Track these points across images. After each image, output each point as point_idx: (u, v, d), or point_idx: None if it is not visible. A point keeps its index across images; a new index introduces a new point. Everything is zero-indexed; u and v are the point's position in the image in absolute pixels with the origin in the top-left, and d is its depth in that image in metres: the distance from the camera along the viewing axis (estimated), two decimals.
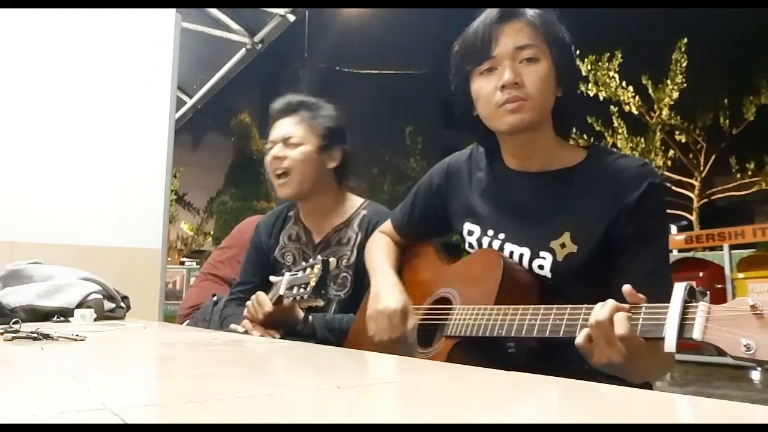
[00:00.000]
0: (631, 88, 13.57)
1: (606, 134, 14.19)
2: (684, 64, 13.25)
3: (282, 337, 1.41)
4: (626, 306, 0.84)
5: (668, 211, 1.16)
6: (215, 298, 1.87)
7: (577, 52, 1.14)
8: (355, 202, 1.66)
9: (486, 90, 1.08)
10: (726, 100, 13.95)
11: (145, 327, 1.36)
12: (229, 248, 2.29)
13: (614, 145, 13.54)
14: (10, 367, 0.78)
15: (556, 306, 0.92)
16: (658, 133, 13.98)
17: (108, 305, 1.57)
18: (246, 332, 1.42)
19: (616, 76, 13.43)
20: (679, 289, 0.78)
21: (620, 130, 14.08)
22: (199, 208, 21.14)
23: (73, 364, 0.79)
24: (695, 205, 14.44)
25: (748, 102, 13.58)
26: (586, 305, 0.88)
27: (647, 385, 1.05)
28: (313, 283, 1.27)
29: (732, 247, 7.30)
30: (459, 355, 1.04)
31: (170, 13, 2.52)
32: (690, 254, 8.12)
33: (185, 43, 2.68)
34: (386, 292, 1.20)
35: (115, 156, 2.30)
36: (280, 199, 1.68)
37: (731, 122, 13.97)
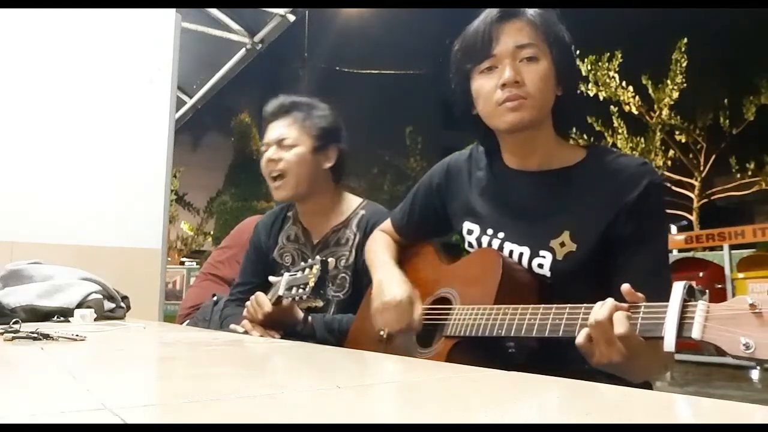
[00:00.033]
0: (631, 88, 13.56)
1: (606, 134, 14.19)
2: (684, 64, 13.24)
3: (282, 338, 1.41)
4: (625, 305, 0.84)
5: (668, 211, 1.17)
6: (215, 298, 1.87)
7: (577, 52, 1.14)
8: (353, 201, 1.66)
9: (486, 88, 1.08)
10: (726, 100, 13.94)
11: (145, 327, 1.36)
12: (229, 248, 2.29)
13: (614, 145, 13.53)
14: (10, 367, 0.78)
15: (555, 305, 0.92)
16: (658, 133, 13.98)
17: (108, 305, 1.57)
18: (246, 332, 1.42)
19: (616, 76, 13.43)
20: (678, 288, 0.78)
21: (620, 130, 14.07)
22: (199, 208, 21.14)
23: (73, 364, 0.79)
24: (695, 205, 14.44)
25: (748, 102, 13.58)
26: (585, 305, 0.88)
27: (647, 385, 1.05)
28: (311, 284, 1.27)
29: (732, 247, 7.30)
30: (458, 355, 1.04)
31: (170, 13, 2.52)
32: (690, 254, 8.12)
33: (185, 43, 2.68)
34: (390, 283, 1.21)
35: (115, 156, 2.30)
36: (277, 201, 1.68)
37: (731, 122, 13.96)
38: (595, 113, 13.68)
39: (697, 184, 14.54)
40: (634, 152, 12.75)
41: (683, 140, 14.25)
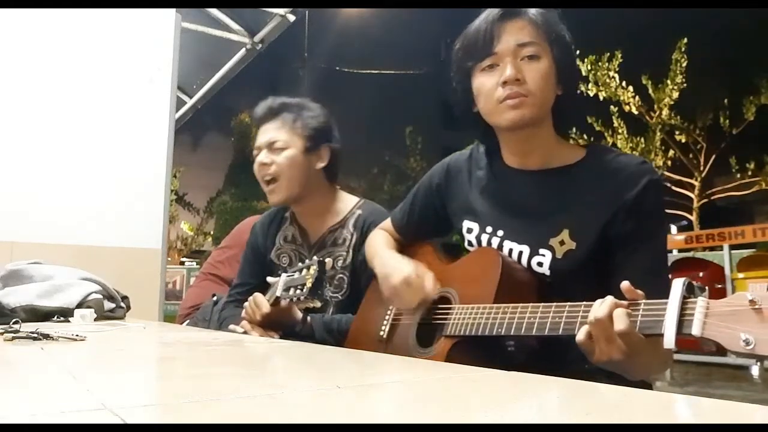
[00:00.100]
0: (631, 88, 13.56)
1: (606, 134, 14.19)
2: (684, 64, 13.25)
3: (281, 338, 1.41)
4: (625, 303, 0.84)
5: (668, 211, 1.17)
6: (215, 298, 1.87)
7: (577, 52, 1.15)
8: (349, 201, 1.65)
9: (487, 86, 1.08)
10: (726, 100, 13.94)
11: (145, 327, 1.36)
12: (229, 248, 2.29)
13: (614, 145, 13.52)
14: (10, 367, 0.78)
15: (555, 304, 0.92)
16: (658, 133, 13.98)
17: (108, 305, 1.57)
18: (245, 332, 1.42)
19: (616, 76, 13.43)
20: (677, 285, 0.78)
21: (620, 130, 14.08)
22: (199, 208, 21.15)
23: (73, 364, 0.79)
24: (695, 205, 14.44)
25: (748, 102, 13.58)
26: (584, 302, 0.88)
27: (647, 385, 1.05)
28: (309, 285, 1.27)
29: (732, 247, 7.29)
30: (458, 354, 1.04)
31: (170, 13, 2.52)
32: (690, 254, 8.11)
33: (185, 43, 2.68)
34: (394, 265, 1.22)
35: (115, 156, 2.30)
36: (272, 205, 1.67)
37: (731, 122, 13.96)
38: (595, 113, 13.69)
39: (697, 184, 14.54)
40: (634, 152, 12.75)
41: (683, 140, 14.25)
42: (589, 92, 13.14)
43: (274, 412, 0.49)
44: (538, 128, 1.10)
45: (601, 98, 13.48)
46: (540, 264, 1.06)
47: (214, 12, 3.57)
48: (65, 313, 1.43)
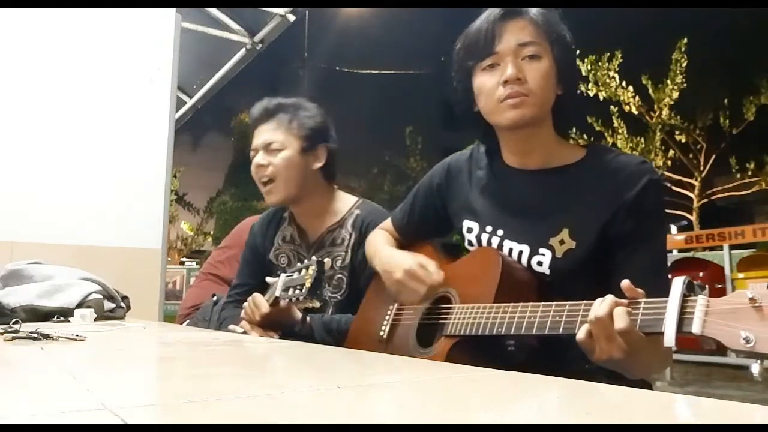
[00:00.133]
0: (631, 88, 13.58)
1: (606, 134, 14.20)
2: (684, 64, 13.26)
3: (281, 338, 1.41)
4: (625, 301, 0.84)
5: (668, 211, 1.17)
6: (215, 298, 1.87)
7: (577, 52, 1.15)
8: (347, 201, 1.64)
9: (488, 85, 1.08)
10: (726, 100, 13.96)
11: (145, 327, 1.36)
12: (229, 248, 2.29)
13: (614, 145, 13.53)
14: (10, 367, 0.78)
15: (555, 303, 0.92)
16: (658, 133, 13.99)
17: (108, 305, 1.57)
18: (245, 333, 1.42)
19: (616, 76, 13.44)
20: (677, 283, 0.78)
21: (620, 130, 14.09)
22: (199, 208, 21.17)
23: (73, 364, 0.79)
24: (695, 205, 14.45)
25: (748, 102, 13.59)
26: (585, 301, 0.88)
27: (647, 385, 1.05)
28: (308, 285, 1.27)
29: (732, 247, 7.29)
30: (458, 354, 1.04)
31: (170, 13, 2.52)
32: (690, 254, 8.11)
33: (185, 43, 2.68)
34: (394, 261, 1.22)
35: (115, 156, 2.30)
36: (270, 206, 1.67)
37: (731, 122, 13.98)
38: (595, 113, 13.70)
39: (697, 184, 14.55)
40: (634, 152, 12.75)
41: (683, 140, 14.27)
42: (589, 92, 13.15)
43: (274, 412, 0.49)
44: (539, 128, 1.10)
45: (601, 98, 13.49)
46: (540, 263, 1.06)
47: (214, 12, 3.57)
48: (65, 313, 1.43)
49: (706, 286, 0.81)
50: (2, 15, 2.16)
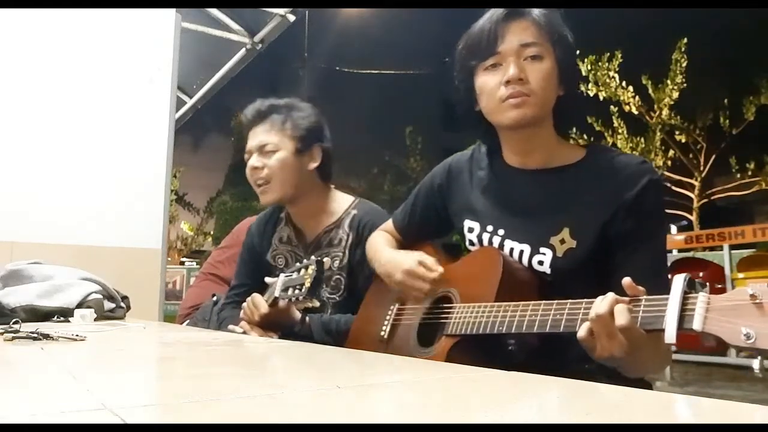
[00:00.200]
0: (631, 88, 13.58)
1: (606, 134, 14.20)
2: (684, 64, 13.26)
3: (280, 338, 1.41)
4: (626, 299, 0.84)
5: (668, 211, 1.17)
6: (215, 298, 1.87)
7: (577, 52, 1.15)
8: (344, 201, 1.63)
9: (490, 85, 1.09)
10: (726, 100, 13.96)
11: (145, 327, 1.36)
12: (229, 248, 2.29)
13: (614, 145, 13.53)
14: (10, 367, 0.78)
15: (556, 301, 0.92)
16: (658, 133, 13.99)
17: (108, 305, 1.57)
18: (244, 333, 1.42)
19: (616, 76, 13.44)
20: (678, 281, 0.78)
21: (620, 130, 14.09)
22: (199, 208, 21.17)
23: (73, 364, 0.79)
24: (695, 205, 14.45)
25: (748, 102, 13.59)
26: (586, 299, 0.88)
27: (647, 385, 1.05)
28: (308, 284, 1.27)
29: (732, 247, 7.29)
30: (459, 353, 1.04)
31: (170, 13, 2.52)
32: (690, 254, 8.11)
33: (185, 43, 2.68)
34: (393, 262, 1.22)
35: (115, 156, 2.30)
36: (264, 206, 1.66)
37: (731, 122, 13.98)
38: (595, 113, 13.70)
39: (697, 184, 14.55)
40: (634, 152, 12.75)
41: (683, 140, 14.27)
42: (589, 92, 13.14)
43: (274, 412, 0.49)
44: (540, 128, 1.10)
45: (601, 98, 13.49)
46: (541, 263, 1.06)
47: (214, 12, 3.57)
48: (65, 313, 1.43)
49: (707, 283, 0.81)
50: (2, 15, 2.16)
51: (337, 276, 1.54)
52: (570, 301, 0.91)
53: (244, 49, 3.83)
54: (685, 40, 13.21)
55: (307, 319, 1.45)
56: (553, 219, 1.07)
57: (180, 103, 4.32)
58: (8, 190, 2.11)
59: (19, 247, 2.03)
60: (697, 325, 0.75)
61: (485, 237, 1.16)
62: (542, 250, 1.07)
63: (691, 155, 14.65)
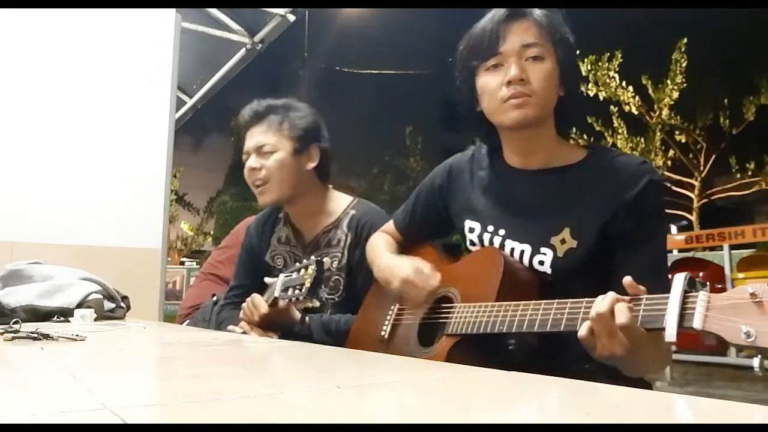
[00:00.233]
0: (631, 88, 13.57)
1: (606, 134, 14.19)
2: (684, 64, 13.25)
3: (280, 338, 1.41)
4: (626, 298, 0.84)
5: (668, 211, 1.18)
6: (215, 298, 1.87)
7: (578, 52, 1.15)
8: (342, 201, 1.63)
9: (491, 85, 1.09)
10: (726, 100, 13.96)
11: (145, 327, 1.36)
12: (229, 248, 2.29)
13: (614, 145, 13.53)
14: (10, 367, 0.78)
15: (557, 301, 0.93)
16: (658, 133, 13.99)
17: (108, 305, 1.57)
18: (244, 333, 1.41)
19: (616, 76, 13.44)
20: (678, 279, 0.78)
21: (620, 130, 14.08)
22: (199, 208, 21.17)
23: (73, 364, 0.79)
24: (695, 205, 14.45)
25: (748, 102, 13.59)
26: (586, 299, 0.89)
27: (647, 385, 1.05)
28: (308, 284, 1.27)
29: (732, 247, 7.29)
30: (459, 353, 1.04)
31: (170, 13, 2.52)
32: (690, 254, 8.11)
33: (185, 43, 2.68)
34: (391, 269, 1.22)
35: (115, 156, 2.30)
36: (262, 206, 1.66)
37: (731, 122, 13.97)
38: (595, 113, 13.70)
39: (697, 184, 14.55)
40: (634, 152, 12.75)
41: (683, 140, 14.26)
42: (589, 92, 13.14)
43: (274, 412, 0.49)
44: (541, 128, 1.11)
45: (601, 98, 13.49)
46: (541, 263, 1.07)
47: (214, 12, 3.57)
48: (65, 313, 1.43)
49: (707, 282, 0.82)
50: (2, 15, 2.16)
51: (336, 276, 1.53)
52: (570, 300, 0.91)
53: (244, 49, 3.83)
54: (685, 40, 13.20)
55: (307, 319, 1.45)
56: (554, 219, 1.08)
57: (180, 103, 4.32)
58: (8, 190, 2.11)
59: (19, 247, 2.03)
60: (697, 323, 0.75)
61: (486, 237, 1.16)
62: (543, 250, 1.07)
63: (691, 155, 14.65)
